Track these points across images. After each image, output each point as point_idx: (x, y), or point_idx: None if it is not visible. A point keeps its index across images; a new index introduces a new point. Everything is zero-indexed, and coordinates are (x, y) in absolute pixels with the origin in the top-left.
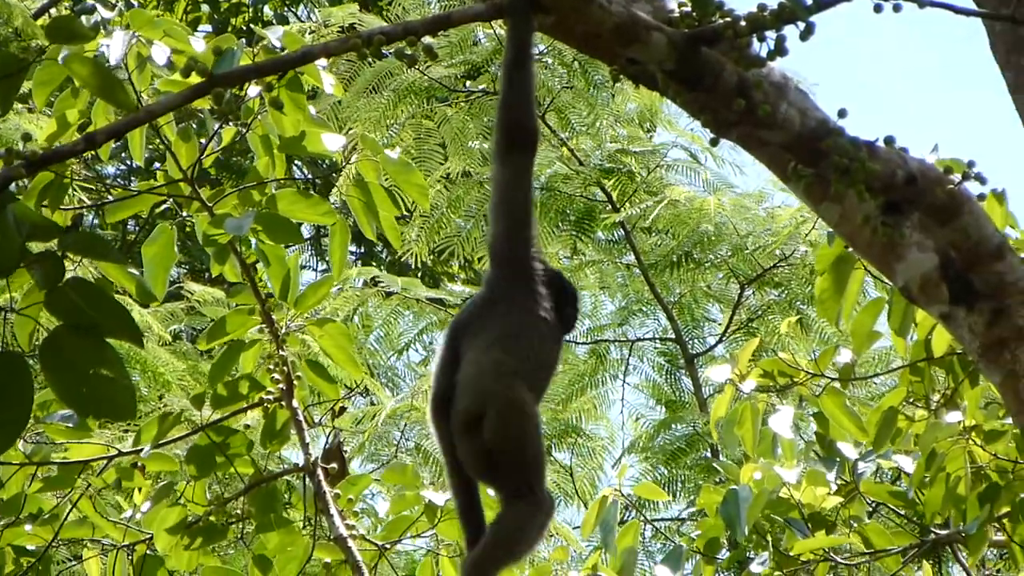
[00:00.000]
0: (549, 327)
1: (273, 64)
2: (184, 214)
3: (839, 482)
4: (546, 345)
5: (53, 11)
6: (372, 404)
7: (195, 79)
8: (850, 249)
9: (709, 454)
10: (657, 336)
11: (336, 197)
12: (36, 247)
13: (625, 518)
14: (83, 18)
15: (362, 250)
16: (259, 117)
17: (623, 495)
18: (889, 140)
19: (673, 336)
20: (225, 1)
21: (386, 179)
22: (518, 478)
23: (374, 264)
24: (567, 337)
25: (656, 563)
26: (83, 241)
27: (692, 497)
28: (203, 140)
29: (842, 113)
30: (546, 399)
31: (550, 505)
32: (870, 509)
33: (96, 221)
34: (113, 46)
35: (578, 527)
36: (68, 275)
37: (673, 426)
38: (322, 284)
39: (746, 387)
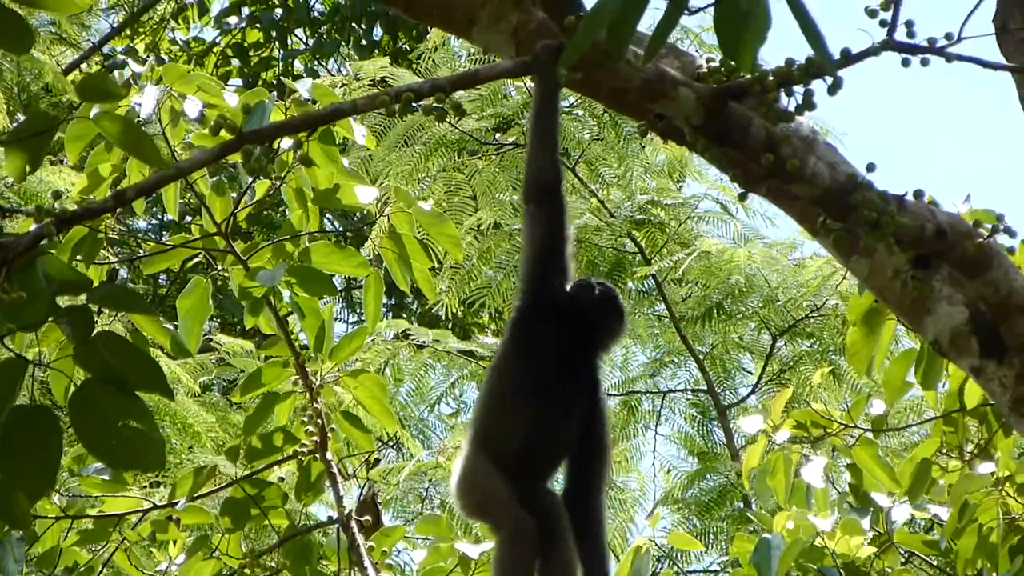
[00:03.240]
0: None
1: (303, 121)
2: (218, 267)
3: (873, 532)
4: (496, 370)
5: (83, 66)
6: (404, 459)
7: (225, 136)
8: (879, 302)
9: (742, 505)
10: (689, 387)
11: (369, 250)
12: (66, 301)
13: (658, 569)
14: (115, 73)
15: (392, 302)
16: (292, 170)
17: (657, 545)
18: (918, 194)
19: (705, 387)
20: (255, 56)
21: (419, 231)
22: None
23: (404, 316)
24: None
25: None
26: (115, 295)
27: (725, 549)
28: (236, 194)
29: (871, 167)
30: None
31: (511, 527)
32: (904, 559)
33: (128, 276)
34: (145, 100)
35: None
36: (99, 329)
37: (706, 477)
38: (356, 335)
39: (779, 438)
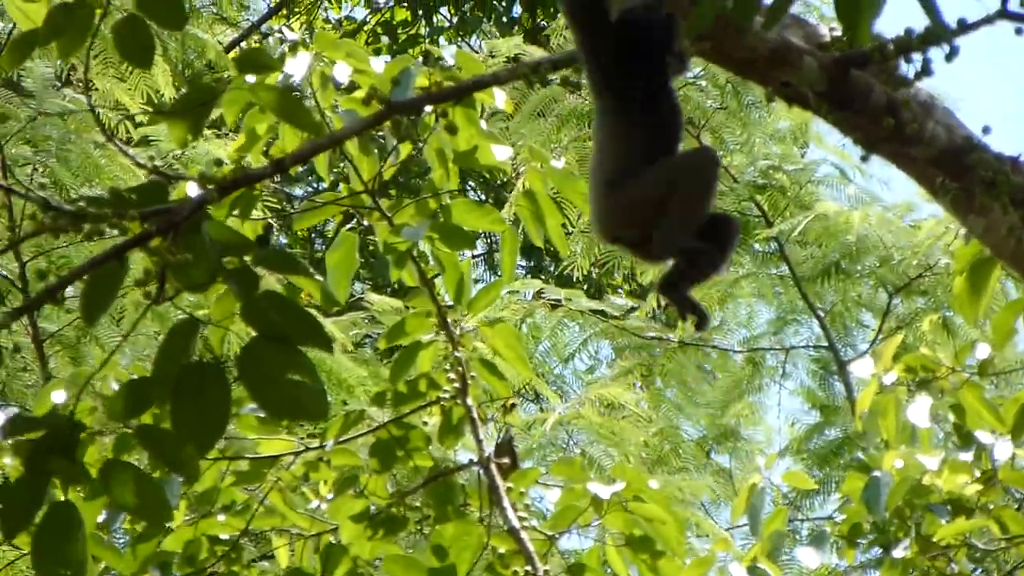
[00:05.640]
0: None
1: (448, 92)
2: (365, 223)
3: (977, 470)
4: None
5: (243, 44)
6: (542, 411)
7: (375, 106)
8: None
9: (861, 456)
10: (811, 344)
11: (507, 212)
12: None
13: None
14: (269, 40)
15: (531, 264)
16: (434, 131)
17: (774, 485)
18: None
19: (826, 344)
20: (403, 33)
21: (552, 190)
22: None
23: (542, 278)
24: None
25: None
26: (274, 257)
27: (845, 498)
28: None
29: (986, 130)
30: (704, 405)
31: None
32: (1018, 505)
33: (285, 240)
34: (298, 67)
35: (733, 527)
36: (263, 288)
37: (824, 431)
38: (493, 287)
39: (888, 380)
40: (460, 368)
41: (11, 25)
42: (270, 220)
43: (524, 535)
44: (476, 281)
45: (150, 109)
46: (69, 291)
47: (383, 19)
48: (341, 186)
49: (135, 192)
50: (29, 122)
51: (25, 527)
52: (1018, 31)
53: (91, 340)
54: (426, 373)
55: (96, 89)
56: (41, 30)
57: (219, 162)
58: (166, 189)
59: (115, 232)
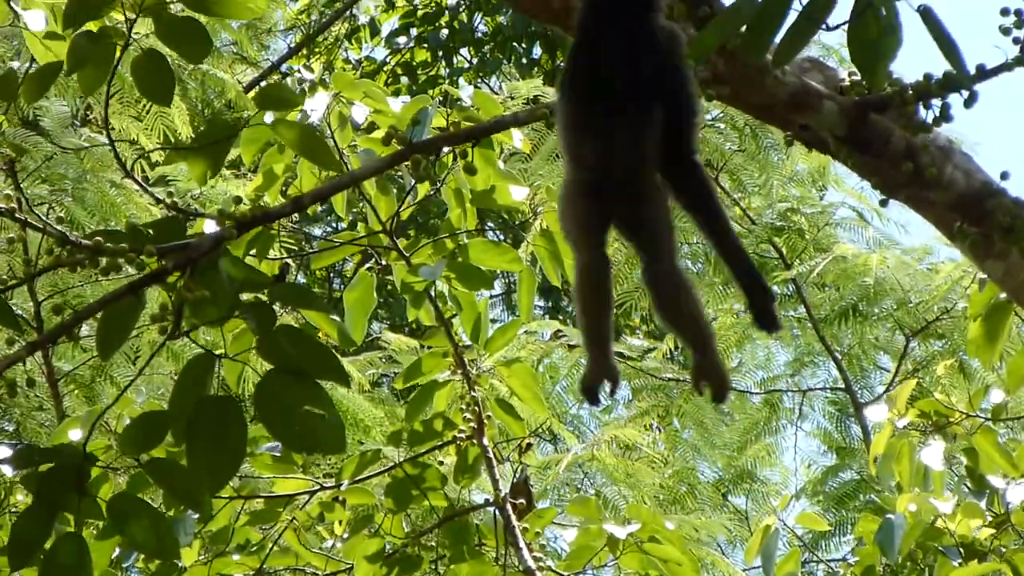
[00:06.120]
0: None
1: (467, 133)
2: (382, 263)
3: (990, 514)
4: None
5: (263, 84)
6: (558, 451)
7: (395, 146)
8: (1010, 300)
9: (875, 498)
10: (828, 386)
11: (524, 252)
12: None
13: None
14: (288, 80)
15: (549, 304)
16: (452, 171)
17: (787, 526)
18: None
19: (843, 386)
20: (423, 74)
21: None
22: None
23: (560, 318)
24: None
25: None
26: (291, 292)
27: (859, 540)
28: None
29: (1005, 175)
30: (721, 446)
31: None
32: None
33: (303, 280)
34: (316, 106)
35: (748, 568)
36: (279, 323)
37: (838, 474)
38: (510, 327)
39: (902, 424)
40: (476, 408)
41: (27, 65)
42: (287, 260)
43: (540, 575)
44: (493, 321)
45: (168, 147)
46: (84, 330)
47: (403, 60)
48: (359, 226)
49: (152, 227)
50: (46, 161)
51: (29, 559)
52: None
53: (106, 379)
54: (442, 412)
55: (113, 128)
56: (67, 60)
57: (238, 199)
58: (184, 225)
59: (131, 269)
